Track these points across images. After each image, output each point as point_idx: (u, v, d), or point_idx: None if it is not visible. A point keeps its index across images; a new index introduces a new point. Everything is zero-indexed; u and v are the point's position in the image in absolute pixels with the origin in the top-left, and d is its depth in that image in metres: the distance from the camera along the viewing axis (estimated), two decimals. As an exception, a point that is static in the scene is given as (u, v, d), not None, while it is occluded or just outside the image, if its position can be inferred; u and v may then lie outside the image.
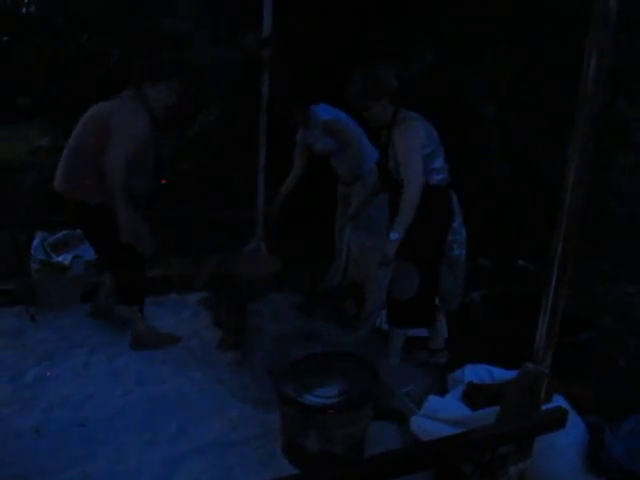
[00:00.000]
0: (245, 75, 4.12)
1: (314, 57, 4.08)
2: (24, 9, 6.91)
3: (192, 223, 4.77)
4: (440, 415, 2.22)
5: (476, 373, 2.48)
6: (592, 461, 2.13)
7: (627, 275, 4.41)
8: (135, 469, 2.33)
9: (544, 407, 1.95)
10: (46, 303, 3.67)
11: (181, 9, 4.68)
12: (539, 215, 3.94)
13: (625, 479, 2.07)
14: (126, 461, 2.38)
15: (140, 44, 4.86)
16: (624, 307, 3.96)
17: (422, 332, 3.19)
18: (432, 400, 2.35)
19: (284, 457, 2.41)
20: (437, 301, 3.07)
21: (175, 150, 5.05)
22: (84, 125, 3.02)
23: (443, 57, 4.01)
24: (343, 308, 3.34)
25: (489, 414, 2.02)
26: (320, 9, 4.11)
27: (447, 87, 4.08)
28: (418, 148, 2.73)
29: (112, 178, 2.85)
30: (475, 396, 2.29)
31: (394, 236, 2.71)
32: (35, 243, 3.76)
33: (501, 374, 2.42)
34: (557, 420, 1.92)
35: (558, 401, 2.12)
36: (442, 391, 2.57)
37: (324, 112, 3.52)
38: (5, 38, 7.26)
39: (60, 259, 3.71)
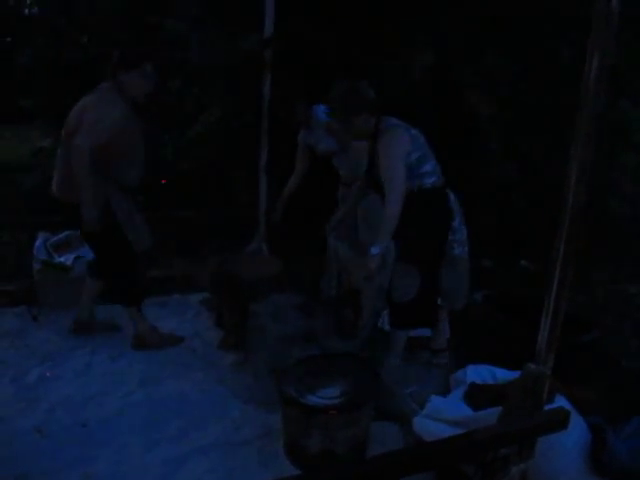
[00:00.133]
0: (246, 76, 4.13)
1: (315, 57, 4.08)
2: (26, 10, 6.92)
3: (193, 224, 4.77)
4: (442, 416, 2.22)
5: (478, 374, 2.48)
6: (594, 462, 2.13)
7: (629, 275, 4.40)
8: (137, 470, 2.34)
9: (546, 408, 1.95)
10: (48, 303, 3.68)
11: (182, 10, 4.68)
12: (541, 215, 3.93)
13: (627, 480, 2.07)
14: (128, 461, 2.38)
15: (141, 45, 4.86)
16: (626, 307, 3.95)
17: (424, 332, 3.19)
18: (434, 400, 2.35)
19: (286, 458, 2.41)
20: (439, 301, 3.07)
21: (176, 150, 5.05)
22: (66, 124, 3.03)
23: (443, 57, 4.01)
24: (343, 317, 3.31)
25: (491, 415, 2.02)
26: (321, 10, 4.11)
27: (447, 87, 4.08)
28: (401, 159, 2.71)
29: (75, 165, 2.84)
30: (477, 397, 2.29)
31: (375, 250, 2.67)
32: (37, 244, 3.77)
33: (503, 375, 2.42)
34: (559, 421, 1.92)
35: (560, 402, 2.12)
36: (444, 392, 2.57)
37: (326, 113, 3.51)
38: (8, 39, 7.27)
39: (62, 260, 3.71)
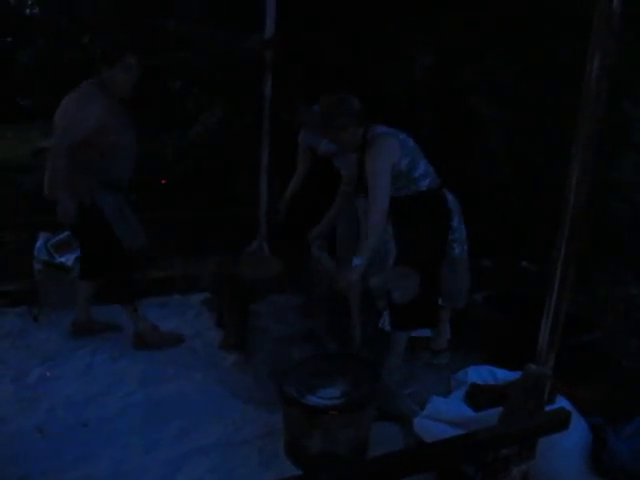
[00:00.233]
0: (247, 76, 4.13)
1: (316, 58, 4.08)
2: (28, 10, 6.93)
3: (194, 224, 4.77)
4: (443, 416, 2.22)
5: (479, 374, 2.48)
6: (595, 462, 2.13)
7: (629, 276, 4.40)
8: (137, 470, 2.34)
9: (547, 408, 1.95)
10: (49, 304, 3.69)
11: (183, 10, 4.68)
12: (541, 215, 3.93)
13: (628, 480, 2.07)
14: (128, 462, 2.38)
15: (143, 45, 4.86)
16: (627, 308, 3.95)
17: (425, 332, 3.18)
18: (435, 401, 2.36)
19: (287, 458, 2.41)
20: (440, 301, 3.07)
21: (177, 150, 5.05)
22: (53, 124, 3.02)
23: (443, 57, 4.01)
24: (333, 320, 3.30)
25: (492, 415, 2.02)
26: (322, 10, 4.11)
27: (447, 87, 4.08)
28: (387, 171, 2.68)
29: (51, 163, 2.84)
30: (478, 397, 2.29)
31: (358, 261, 2.65)
32: (38, 244, 3.77)
33: (504, 375, 2.42)
34: (560, 421, 1.92)
35: (561, 402, 2.12)
36: (445, 392, 2.57)
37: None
38: (9, 39, 7.28)
39: (63, 260, 3.71)
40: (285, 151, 3.77)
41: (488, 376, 2.46)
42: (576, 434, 2.10)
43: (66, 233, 3.84)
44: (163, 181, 5.26)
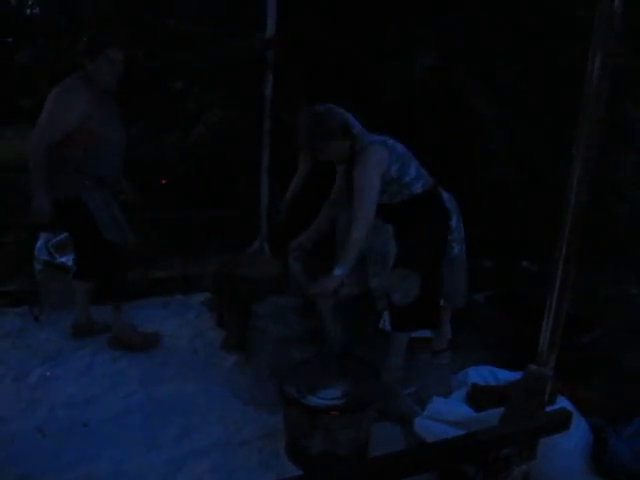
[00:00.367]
0: (248, 76, 4.13)
1: (317, 58, 4.08)
2: (28, 10, 6.94)
3: (195, 224, 4.78)
4: (444, 416, 2.21)
5: (480, 375, 2.47)
6: (596, 463, 2.13)
7: (630, 276, 4.40)
8: (138, 470, 2.34)
9: (548, 409, 1.95)
10: (50, 304, 3.68)
11: (184, 10, 4.68)
12: (542, 216, 3.93)
13: (629, 481, 2.07)
14: (129, 462, 2.38)
15: (143, 45, 4.87)
16: (628, 308, 3.96)
17: (425, 332, 3.18)
18: (436, 401, 2.35)
19: (287, 458, 2.41)
20: (442, 302, 3.06)
21: (178, 151, 5.06)
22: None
23: (444, 57, 4.01)
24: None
25: (493, 416, 2.02)
26: (323, 10, 4.11)
27: (447, 87, 4.08)
28: (376, 185, 2.64)
29: (31, 160, 2.83)
30: (479, 398, 2.28)
31: (338, 272, 2.62)
32: (39, 244, 3.77)
33: (505, 376, 2.42)
34: (561, 422, 1.92)
35: (562, 403, 2.12)
36: (446, 392, 2.56)
37: None
38: (9, 39, 7.29)
39: (64, 260, 3.71)
40: (286, 151, 3.77)
41: (489, 376, 2.46)
42: (577, 434, 2.10)
43: (66, 233, 3.85)
44: (163, 181, 5.27)
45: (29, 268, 3.76)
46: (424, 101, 4.09)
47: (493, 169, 4.18)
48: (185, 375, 3.05)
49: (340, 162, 2.86)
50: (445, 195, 2.93)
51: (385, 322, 3.28)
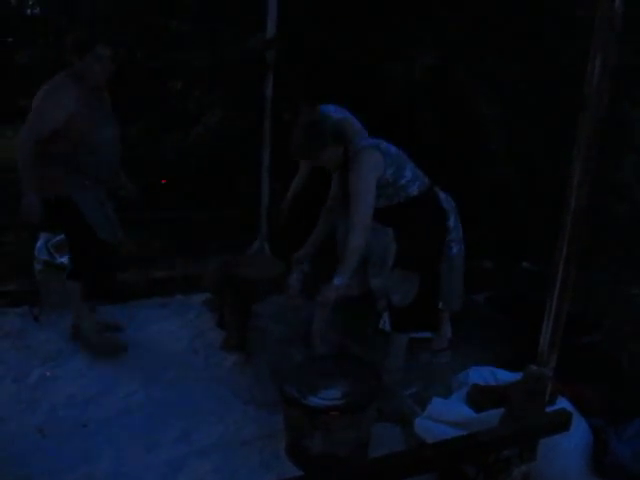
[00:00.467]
0: (249, 76, 4.13)
1: (318, 58, 4.08)
2: (28, 10, 6.93)
3: (195, 224, 4.77)
4: (444, 417, 2.21)
5: (480, 375, 2.48)
6: (596, 463, 2.13)
7: (631, 276, 4.39)
8: (138, 470, 2.34)
9: (548, 409, 1.95)
10: (50, 304, 3.68)
11: (185, 10, 4.68)
12: (542, 216, 3.93)
13: (629, 481, 2.07)
14: (129, 462, 2.38)
15: (144, 45, 4.87)
16: (628, 308, 3.95)
17: (425, 333, 3.18)
18: (436, 402, 2.35)
19: (288, 459, 2.41)
20: (440, 304, 3.06)
21: (178, 151, 5.06)
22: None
23: (444, 57, 4.01)
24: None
25: (493, 416, 2.02)
26: (323, 10, 4.12)
27: (448, 87, 4.08)
28: (371, 190, 2.62)
29: (19, 157, 2.83)
30: (479, 398, 2.28)
31: (338, 281, 2.60)
32: (39, 244, 3.77)
33: (505, 376, 2.42)
34: (561, 422, 1.92)
35: (562, 403, 2.12)
36: (446, 393, 2.56)
37: (334, 113, 3.49)
38: (9, 39, 7.28)
39: (64, 260, 3.70)
40: (286, 151, 3.77)
41: (489, 377, 2.46)
42: (577, 435, 2.10)
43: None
44: (163, 181, 5.26)
45: (29, 268, 3.76)
46: (424, 101, 4.09)
47: (493, 169, 4.18)
48: (185, 375, 3.04)
49: (334, 169, 2.84)
50: (442, 195, 2.92)
51: (385, 322, 3.28)
